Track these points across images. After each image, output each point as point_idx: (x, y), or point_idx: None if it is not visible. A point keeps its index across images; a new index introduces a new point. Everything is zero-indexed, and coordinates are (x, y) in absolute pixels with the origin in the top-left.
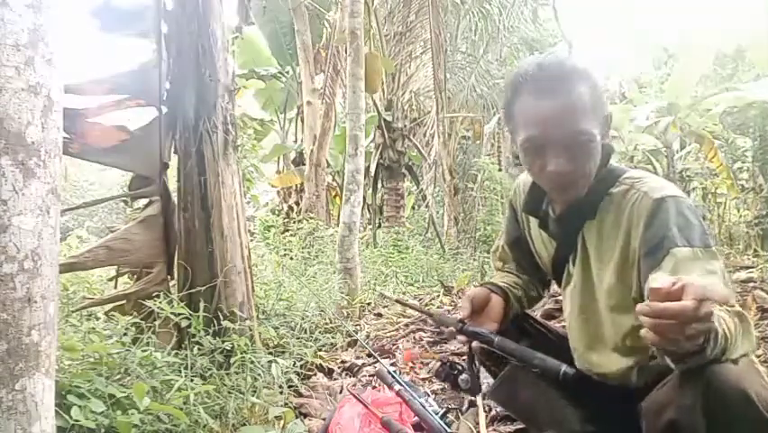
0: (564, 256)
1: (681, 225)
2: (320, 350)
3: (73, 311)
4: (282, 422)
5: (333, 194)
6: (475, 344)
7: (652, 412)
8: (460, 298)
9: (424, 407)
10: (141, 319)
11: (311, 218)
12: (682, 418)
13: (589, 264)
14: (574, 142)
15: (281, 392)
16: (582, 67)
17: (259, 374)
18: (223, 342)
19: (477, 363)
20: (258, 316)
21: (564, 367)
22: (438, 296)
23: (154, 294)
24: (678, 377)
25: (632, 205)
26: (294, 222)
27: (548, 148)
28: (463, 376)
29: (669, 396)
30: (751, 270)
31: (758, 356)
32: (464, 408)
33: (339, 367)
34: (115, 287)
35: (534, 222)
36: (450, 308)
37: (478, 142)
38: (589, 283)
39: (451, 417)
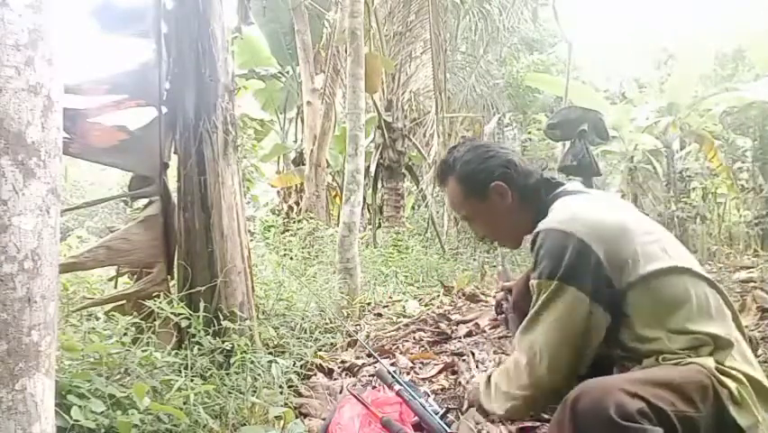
0: None
1: (540, 256)
2: (320, 350)
3: (73, 311)
4: (282, 422)
5: (333, 194)
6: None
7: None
8: (460, 298)
9: (424, 407)
10: (141, 319)
11: (311, 218)
12: None
13: None
14: (464, 221)
15: (281, 392)
16: (454, 161)
17: (259, 374)
18: (223, 342)
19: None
20: (258, 316)
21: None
22: (438, 296)
23: (154, 294)
24: (562, 401)
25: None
26: (294, 222)
27: None
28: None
29: (555, 418)
30: (751, 270)
31: (758, 356)
32: (464, 408)
33: (339, 367)
34: (115, 287)
35: None
36: (450, 308)
37: None
38: None
39: (451, 417)
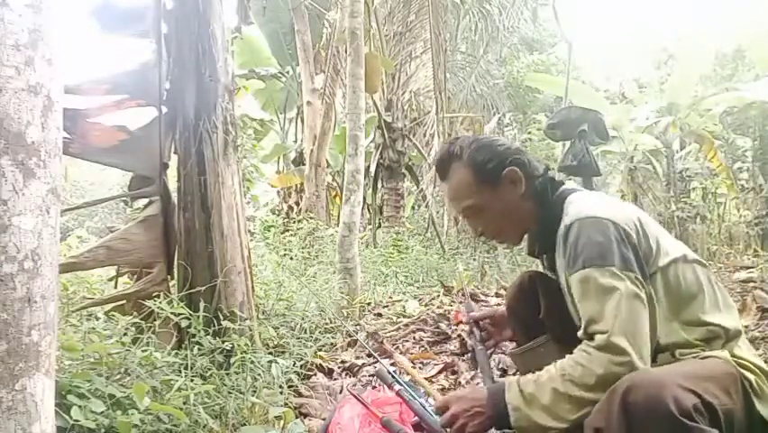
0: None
1: (582, 246)
2: (320, 350)
3: (73, 311)
4: (282, 422)
5: (333, 194)
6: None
7: (587, 424)
8: (459, 298)
9: (424, 407)
10: (141, 319)
11: (311, 218)
12: (606, 426)
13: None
14: (466, 215)
15: (281, 392)
16: (460, 150)
17: (259, 374)
18: (223, 342)
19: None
20: (258, 316)
21: None
22: (438, 296)
23: (154, 294)
24: (609, 391)
25: (559, 234)
26: (294, 222)
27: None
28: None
29: (599, 407)
30: (751, 270)
31: (758, 356)
32: None
33: (339, 367)
34: (115, 287)
35: None
36: (449, 307)
37: None
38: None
39: None
